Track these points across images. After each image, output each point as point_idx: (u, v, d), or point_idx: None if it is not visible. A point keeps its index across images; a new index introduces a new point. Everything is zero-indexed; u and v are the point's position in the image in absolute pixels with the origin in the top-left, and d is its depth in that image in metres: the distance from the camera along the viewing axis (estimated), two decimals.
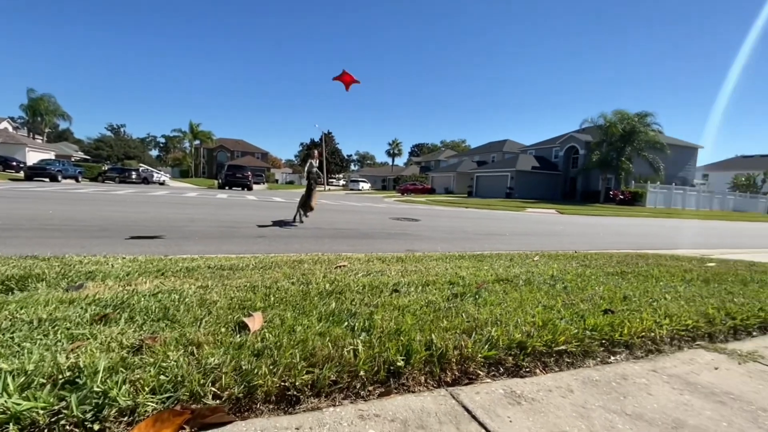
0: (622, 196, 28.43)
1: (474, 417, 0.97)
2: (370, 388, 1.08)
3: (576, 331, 1.43)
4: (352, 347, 1.18)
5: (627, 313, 1.71)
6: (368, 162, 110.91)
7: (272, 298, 1.68)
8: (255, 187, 29.43)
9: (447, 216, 11.26)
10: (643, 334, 1.54)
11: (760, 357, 1.52)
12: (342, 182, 65.66)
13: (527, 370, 1.27)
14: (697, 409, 1.09)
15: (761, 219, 22.55)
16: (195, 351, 1.10)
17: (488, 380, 1.18)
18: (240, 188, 25.86)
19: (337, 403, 1.02)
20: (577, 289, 2.12)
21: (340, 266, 2.51)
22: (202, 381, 0.95)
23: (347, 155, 75.18)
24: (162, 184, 30.54)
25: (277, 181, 62.13)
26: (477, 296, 1.84)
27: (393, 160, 75.28)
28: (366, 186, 51.51)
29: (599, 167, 29.91)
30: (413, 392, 1.09)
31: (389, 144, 72.92)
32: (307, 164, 15.45)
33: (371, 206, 14.78)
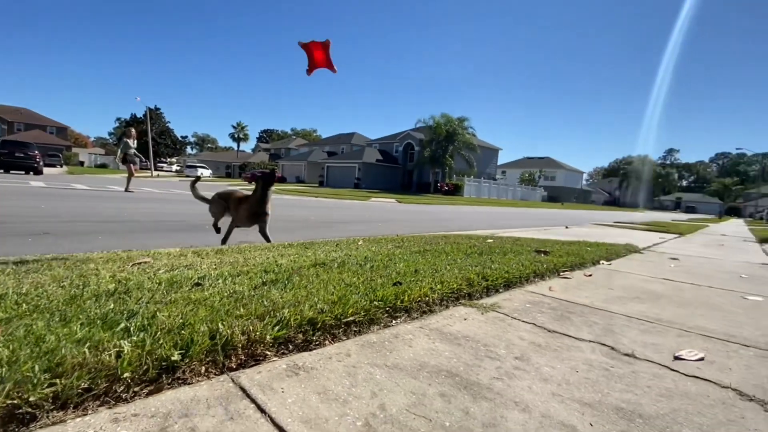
0: (447, 188, 33.35)
1: (248, 395, 1.02)
2: (136, 389, 1.01)
3: (365, 303, 1.63)
4: (116, 349, 1.06)
5: (413, 283, 2.04)
6: (209, 146, 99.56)
7: (24, 307, 1.36)
8: (48, 170, 22.94)
9: (293, 205, 11.14)
10: (420, 299, 1.87)
11: (498, 307, 2.03)
12: (176, 167, 57.04)
13: (317, 343, 1.39)
14: (439, 352, 1.40)
15: (537, 206, 30.02)
16: None
17: (275, 359, 1.24)
18: (24, 172, 19.74)
19: (89, 412, 0.91)
20: (381, 267, 2.42)
21: (140, 263, 2.21)
22: None
23: (182, 136, 65.55)
24: None
25: (82, 163, 49.73)
26: (288, 281, 1.90)
27: (238, 145, 69.46)
28: (206, 172, 46.13)
29: (430, 162, 34.32)
30: (189, 384, 1.06)
31: (233, 127, 66.91)
32: (122, 144, 12.91)
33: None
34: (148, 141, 32.68)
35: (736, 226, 16.39)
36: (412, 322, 1.70)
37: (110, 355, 1.03)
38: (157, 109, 60.50)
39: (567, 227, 8.37)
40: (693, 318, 2.03)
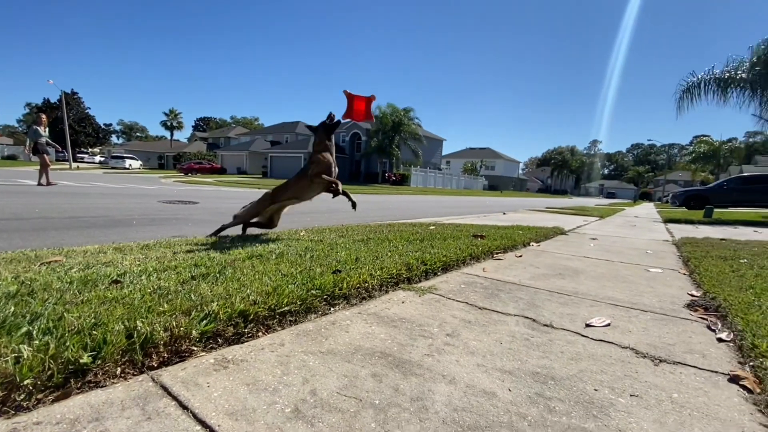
0: (394, 178, 33.73)
1: (169, 393, 0.97)
2: (40, 396, 0.91)
3: (301, 292, 1.61)
4: (14, 355, 0.95)
5: (353, 271, 2.05)
6: (138, 134, 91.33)
7: None
8: None
9: (234, 198, 10.61)
10: (359, 285, 1.89)
11: (435, 289, 2.11)
12: (99, 158, 51.58)
13: (249, 335, 1.35)
14: (375, 335, 1.42)
15: (479, 194, 31.44)
16: None
17: (203, 354, 1.19)
18: None
19: None
20: (322, 256, 2.40)
21: (50, 262, 1.98)
22: None
23: (105, 124, 59.27)
24: None
25: None
26: (220, 275, 1.82)
27: (172, 134, 64.33)
28: (135, 164, 42.29)
29: (377, 153, 34.44)
30: (103, 387, 0.98)
31: (165, 114, 61.71)
32: (30, 132, 11.44)
33: (139, 188, 12.34)
34: (65, 129, 29.20)
35: (647, 209, 18.49)
36: (350, 309, 1.71)
37: (7, 362, 0.93)
38: (74, 93, 53.91)
39: (504, 213, 8.89)
40: (604, 290, 2.27)
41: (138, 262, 2.02)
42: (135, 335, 1.11)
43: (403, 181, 34.23)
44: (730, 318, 1.70)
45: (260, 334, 1.37)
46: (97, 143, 56.19)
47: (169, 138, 66.38)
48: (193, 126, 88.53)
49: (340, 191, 3.03)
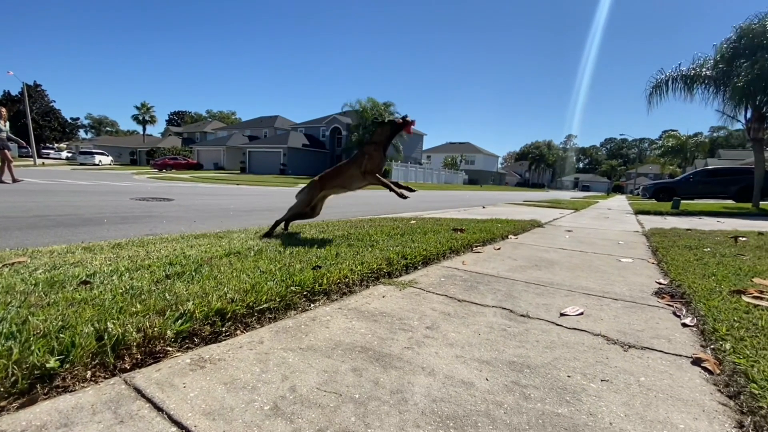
0: None
1: (143, 395, 0.94)
2: (3, 404, 0.87)
3: (280, 289, 1.60)
4: None
5: (333, 266, 2.04)
6: (108, 129, 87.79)
7: None
8: None
9: (211, 194, 10.37)
10: (339, 280, 1.88)
11: (416, 283, 2.13)
12: (66, 154, 49.28)
13: (227, 334, 1.33)
14: (356, 330, 1.43)
15: (459, 188, 31.76)
16: None
17: (179, 354, 1.17)
18: None
19: None
20: (302, 252, 2.38)
21: (13, 263, 1.89)
22: None
23: (72, 118, 56.57)
24: None
25: None
26: (196, 273, 1.78)
27: (144, 129, 62.05)
28: (106, 160, 40.65)
29: (358, 147, 34.15)
30: (72, 391, 0.95)
31: (137, 108, 59.40)
32: None
33: (110, 185, 11.90)
34: (28, 123, 27.70)
35: (619, 201, 19.15)
36: (331, 304, 1.71)
37: None
38: (37, 85, 51.13)
39: (484, 207, 9.04)
40: (578, 280, 2.34)
41: (109, 262, 1.95)
42: (106, 337, 1.07)
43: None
44: (693, 304, 1.79)
45: (238, 332, 1.35)
46: (64, 138, 53.63)
47: (141, 133, 63.98)
48: (166, 120, 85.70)
49: (395, 190, 2.96)
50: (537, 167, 79.70)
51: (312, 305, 1.68)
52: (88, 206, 5.86)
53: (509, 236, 4.01)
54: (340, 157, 39.24)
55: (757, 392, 1.00)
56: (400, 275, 2.30)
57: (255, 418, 0.88)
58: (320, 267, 2.00)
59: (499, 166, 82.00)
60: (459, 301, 1.84)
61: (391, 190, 2.98)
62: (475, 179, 58.03)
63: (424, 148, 54.09)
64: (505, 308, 1.75)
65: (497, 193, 27.08)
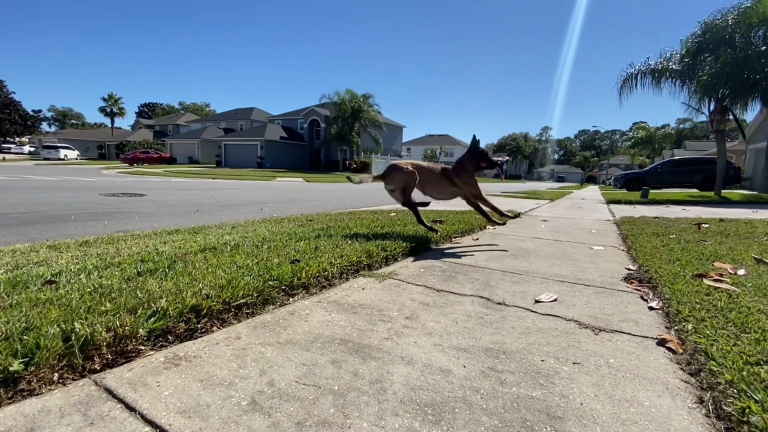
0: (355, 165, 33.48)
1: (114, 395, 0.91)
2: None
3: (258, 284, 1.58)
4: None
5: (312, 260, 2.03)
6: (73, 122, 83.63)
7: None
8: None
9: (185, 189, 10.08)
10: (318, 274, 1.87)
11: (395, 274, 2.14)
12: (29, 149, 46.66)
13: (203, 330, 1.30)
14: (335, 322, 1.43)
15: None
16: None
17: (152, 352, 1.14)
18: None
19: None
20: (280, 246, 2.35)
21: None
22: None
23: (33, 111, 53.48)
24: None
25: None
26: (169, 270, 1.73)
27: (113, 122, 59.39)
28: (72, 154, 38.76)
29: (337, 140, 33.93)
30: (38, 395, 0.91)
31: (104, 100, 56.74)
32: None
33: (77, 180, 11.39)
34: None
35: (592, 191, 19.77)
36: (310, 298, 1.70)
37: None
38: None
39: None
40: (553, 267, 2.41)
41: (76, 260, 1.88)
42: (73, 338, 1.03)
43: (364, 168, 34.05)
44: (659, 288, 1.88)
45: (215, 328, 1.33)
46: (26, 132, 50.67)
47: (109, 126, 61.20)
48: (136, 112, 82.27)
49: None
50: (514, 159, 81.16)
51: (291, 299, 1.66)
52: (53, 203, 5.59)
53: (487, 227, 4.08)
54: (320, 150, 38.79)
55: (715, 369, 1.07)
56: (380, 267, 2.31)
57: (232, 414, 0.87)
58: (299, 261, 1.98)
59: None
60: (438, 291, 1.86)
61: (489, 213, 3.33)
62: None
63: (404, 140, 54.13)
64: (482, 297, 1.78)
65: None
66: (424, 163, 3.23)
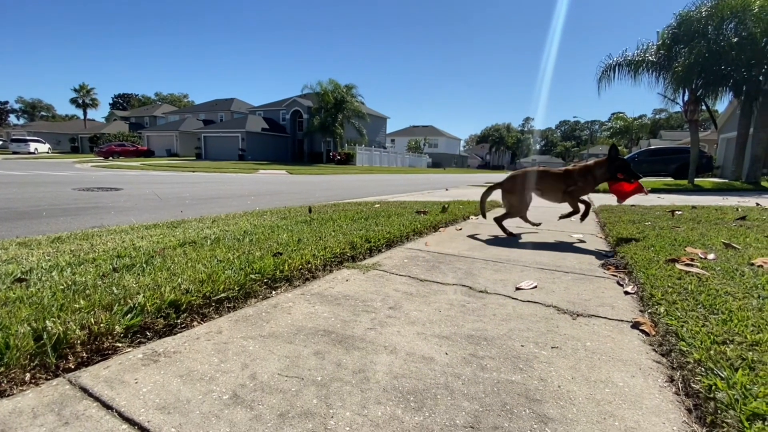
0: (339, 157, 33.21)
1: (90, 394, 0.89)
2: None
3: (239, 277, 1.56)
4: None
5: (295, 252, 2.01)
6: (43, 114, 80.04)
7: None
8: None
9: (163, 182, 9.81)
10: (302, 266, 1.86)
11: (379, 265, 2.15)
12: None
13: (183, 326, 1.28)
14: (318, 314, 1.42)
15: (423, 171, 32.10)
16: None
17: (130, 349, 1.11)
18: None
19: None
20: (263, 239, 2.32)
21: None
22: None
23: (0, 102, 50.85)
24: None
25: None
26: (147, 265, 1.69)
27: (85, 113, 57.04)
28: (42, 147, 37.19)
29: (320, 131, 33.52)
30: (10, 396, 0.88)
31: (76, 90, 54.39)
32: None
33: (48, 174, 10.96)
34: None
35: None
36: (293, 290, 1.69)
37: None
38: None
39: (447, 189, 9.21)
40: (533, 255, 2.46)
41: (48, 257, 1.81)
42: (45, 336, 1.00)
43: (348, 160, 33.79)
44: (634, 273, 1.94)
45: (195, 323, 1.31)
46: None
47: (82, 117, 58.81)
48: (110, 104, 79.31)
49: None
50: (497, 149, 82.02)
51: (273, 292, 1.65)
52: (23, 198, 5.37)
53: (470, 217, 4.12)
54: (302, 141, 38.27)
55: (685, 349, 1.11)
56: (364, 258, 2.31)
57: (213, 408, 0.86)
58: (281, 254, 1.96)
59: (461, 149, 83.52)
60: (421, 281, 1.87)
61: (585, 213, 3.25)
62: (438, 162, 58.88)
63: (388, 131, 53.93)
64: (465, 285, 1.81)
65: (460, 175, 27.65)
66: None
